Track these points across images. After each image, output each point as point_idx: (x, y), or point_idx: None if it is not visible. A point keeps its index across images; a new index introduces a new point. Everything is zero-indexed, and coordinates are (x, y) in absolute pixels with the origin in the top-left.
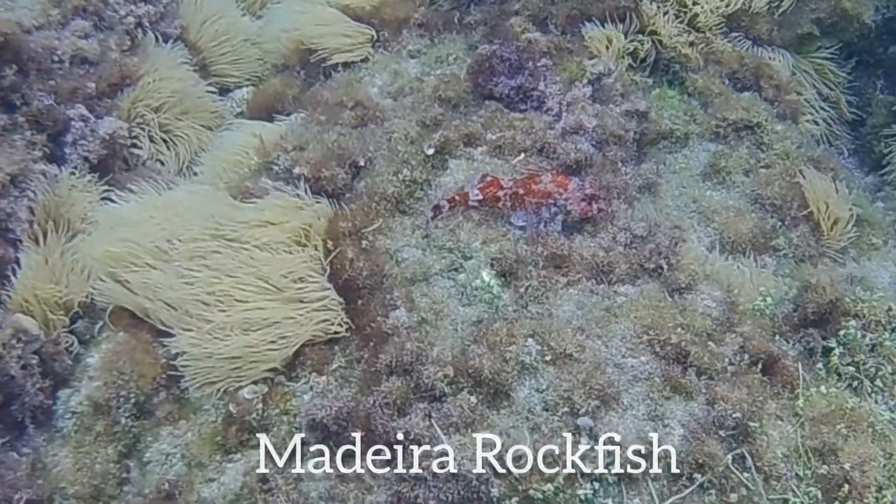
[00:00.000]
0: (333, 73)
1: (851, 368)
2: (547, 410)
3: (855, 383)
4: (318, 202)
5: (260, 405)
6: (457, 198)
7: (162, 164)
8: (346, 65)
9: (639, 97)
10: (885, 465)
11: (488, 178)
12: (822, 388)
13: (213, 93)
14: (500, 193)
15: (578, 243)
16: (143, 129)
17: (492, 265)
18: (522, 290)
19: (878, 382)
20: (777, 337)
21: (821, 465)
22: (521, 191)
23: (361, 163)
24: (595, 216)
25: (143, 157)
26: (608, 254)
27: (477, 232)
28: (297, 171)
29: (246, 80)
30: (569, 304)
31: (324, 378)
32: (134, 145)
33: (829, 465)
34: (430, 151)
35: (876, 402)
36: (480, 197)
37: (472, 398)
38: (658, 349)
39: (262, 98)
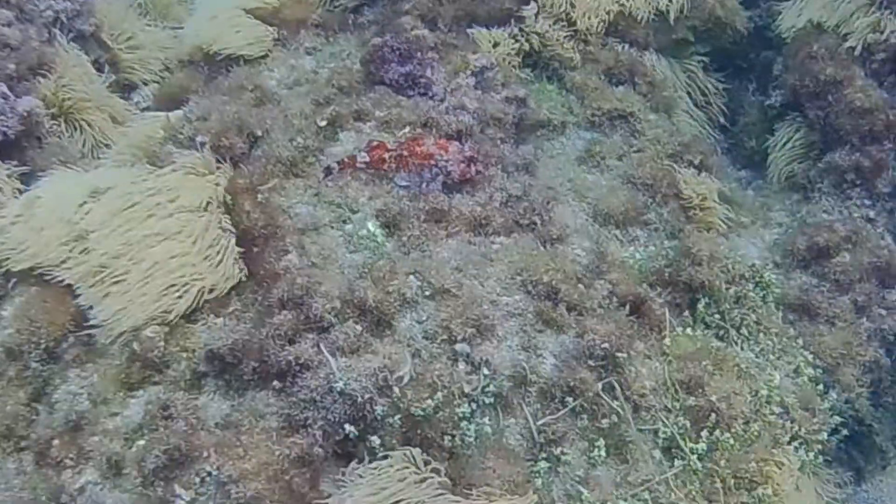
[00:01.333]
0: (235, 66)
1: (717, 317)
2: (427, 339)
3: (721, 332)
4: (219, 165)
5: (161, 343)
6: (346, 160)
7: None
8: (247, 61)
9: (518, 86)
10: (750, 401)
11: (374, 143)
12: (689, 331)
13: (120, 92)
14: (386, 155)
15: (458, 201)
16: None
17: (377, 217)
18: (405, 238)
19: (744, 331)
20: (645, 286)
21: (688, 398)
22: (405, 153)
23: (259, 133)
24: (473, 178)
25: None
26: (485, 209)
27: (364, 189)
28: (199, 138)
29: (153, 79)
30: (448, 251)
31: (221, 319)
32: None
33: (697, 397)
34: (323, 123)
35: (742, 349)
36: (367, 159)
37: (358, 326)
38: (531, 289)
39: (168, 91)
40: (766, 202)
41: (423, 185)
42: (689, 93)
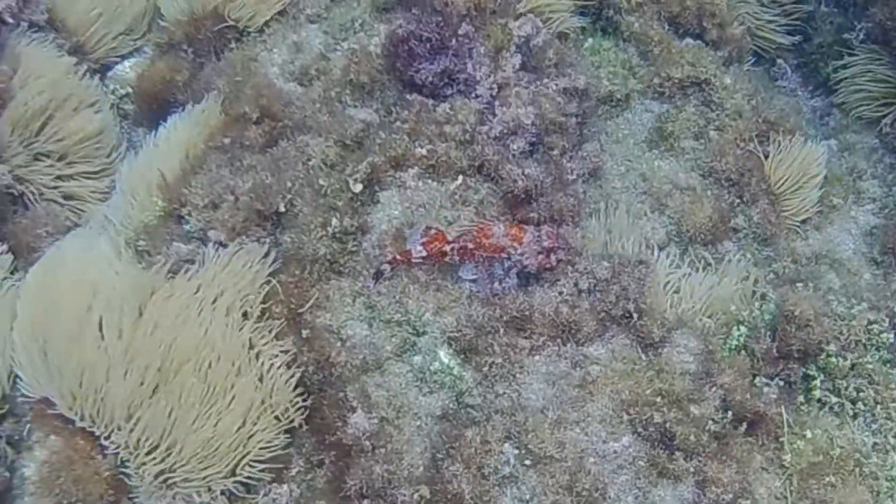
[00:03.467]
0: (225, 49)
1: (833, 398)
2: None
3: (836, 408)
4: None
5: None
6: (398, 257)
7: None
8: (238, 36)
9: (575, 67)
10: None
11: (432, 231)
12: (808, 433)
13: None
14: (447, 248)
15: (539, 299)
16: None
17: (448, 341)
18: (486, 368)
19: (860, 405)
20: (757, 379)
21: None
22: (469, 245)
23: (282, 208)
24: (554, 267)
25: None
26: (573, 310)
27: (426, 298)
28: (213, 236)
29: (127, 52)
30: (538, 380)
31: (285, 487)
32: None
33: None
34: (358, 188)
35: (858, 426)
36: (424, 253)
37: None
38: (640, 430)
39: (149, 85)
40: (856, 164)
41: (496, 283)
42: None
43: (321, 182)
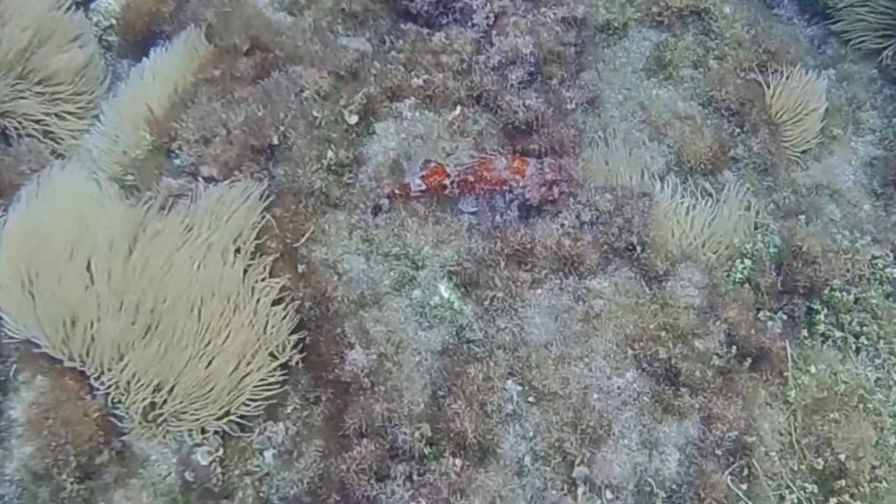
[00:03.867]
0: None
1: (837, 332)
2: (538, 460)
3: (840, 343)
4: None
5: (218, 469)
6: (397, 191)
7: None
8: None
9: None
10: (876, 443)
11: (431, 165)
12: (812, 368)
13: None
14: (447, 181)
15: (540, 231)
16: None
17: (448, 274)
18: (487, 302)
19: (863, 339)
20: (761, 314)
21: (816, 459)
22: (470, 178)
23: (275, 141)
24: (556, 199)
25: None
26: (575, 243)
27: (425, 231)
28: (205, 171)
29: None
30: (540, 314)
31: (281, 425)
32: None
33: (824, 456)
34: (354, 120)
35: (861, 361)
36: (424, 187)
37: (458, 461)
38: (645, 365)
39: (134, 17)
40: (854, 94)
41: (497, 216)
42: None
43: (315, 114)
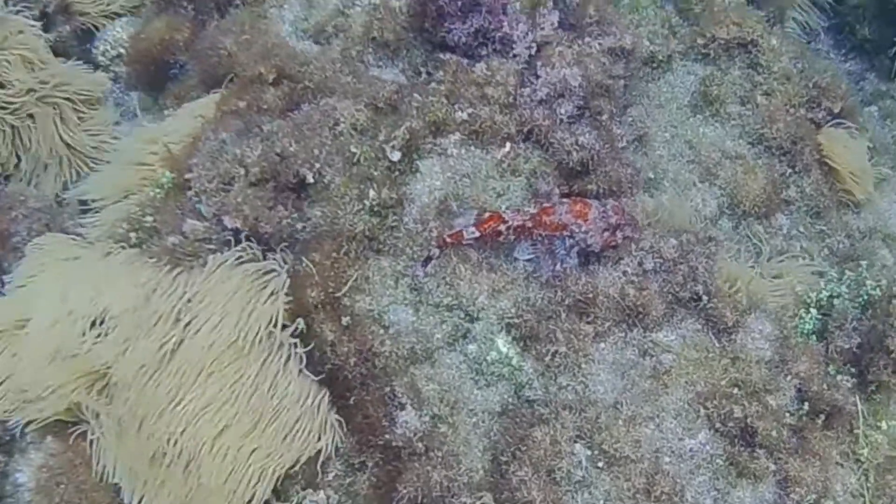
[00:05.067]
0: (230, 5)
1: None
2: None
3: None
4: (272, 269)
5: None
6: (449, 238)
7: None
8: None
9: (616, 25)
10: None
11: (486, 215)
12: (883, 425)
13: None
14: (502, 227)
15: (603, 280)
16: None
17: (506, 326)
18: (548, 357)
19: None
20: (830, 368)
21: None
22: (528, 223)
23: (310, 178)
24: (619, 245)
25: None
26: (640, 293)
27: (479, 280)
28: (228, 223)
29: (117, 11)
30: (605, 370)
31: (321, 494)
32: None
33: None
34: (397, 157)
35: None
36: (477, 234)
37: None
38: (719, 425)
39: (146, 45)
40: None
41: (558, 264)
42: None
43: (353, 149)
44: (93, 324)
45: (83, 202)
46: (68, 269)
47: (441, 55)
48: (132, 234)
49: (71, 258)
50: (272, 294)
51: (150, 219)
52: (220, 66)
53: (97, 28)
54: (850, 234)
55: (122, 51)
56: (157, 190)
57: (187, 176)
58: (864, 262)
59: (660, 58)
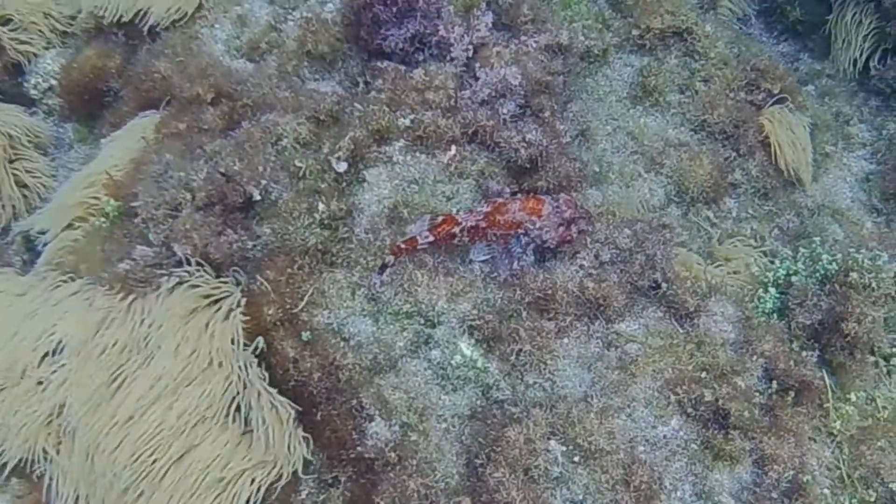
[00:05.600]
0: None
1: (868, 356)
2: None
3: (871, 366)
4: (223, 286)
5: None
6: (403, 246)
7: None
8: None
9: (551, 22)
10: None
11: (439, 219)
12: (852, 397)
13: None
14: (456, 230)
15: (561, 275)
16: None
17: (468, 329)
18: (513, 357)
19: (894, 361)
20: (796, 346)
21: (867, 490)
22: (482, 223)
23: (256, 196)
24: (574, 240)
25: None
26: (599, 285)
27: (437, 284)
28: (178, 250)
29: (46, 45)
30: (571, 365)
31: None
32: None
33: (874, 488)
34: (343, 168)
35: (895, 383)
36: (431, 238)
37: None
38: (690, 410)
39: (78, 75)
40: (839, 108)
41: (514, 262)
42: None
43: (298, 163)
44: (45, 356)
45: (27, 237)
46: (18, 304)
47: (378, 63)
48: (81, 266)
49: (19, 293)
50: (229, 313)
51: (98, 249)
52: (154, 89)
53: (28, 61)
54: (798, 212)
55: (53, 83)
56: (103, 219)
57: (133, 204)
58: (816, 239)
59: (595, 52)
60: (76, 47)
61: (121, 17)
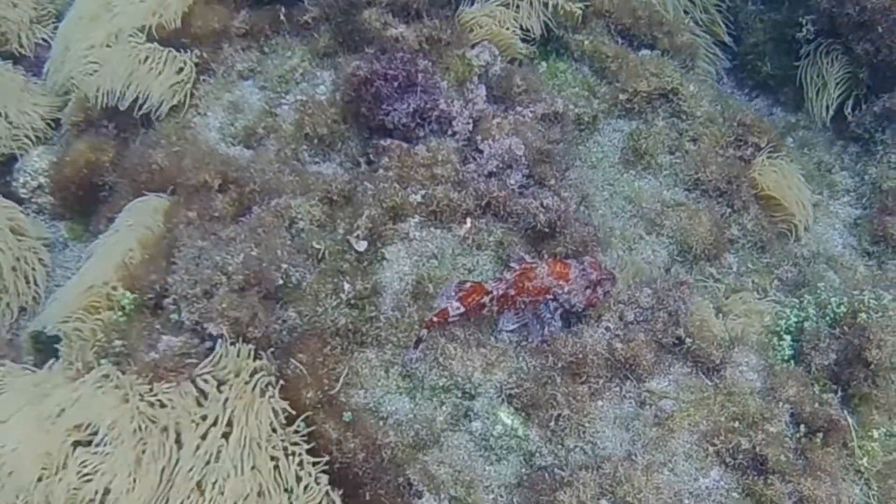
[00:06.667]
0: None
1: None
2: None
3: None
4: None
5: None
6: (435, 320)
7: None
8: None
9: (547, 90)
10: None
11: (467, 286)
12: (874, 433)
13: None
14: (486, 299)
15: (589, 338)
16: None
17: (507, 399)
18: (552, 422)
19: None
20: (817, 389)
21: None
22: (511, 291)
23: (280, 281)
24: (600, 302)
25: None
26: (628, 345)
27: (470, 356)
28: (213, 330)
29: (34, 140)
30: (609, 426)
31: None
32: None
33: None
34: (363, 247)
35: None
36: (462, 309)
37: None
38: (728, 459)
39: (70, 171)
40: (820, 158)
41: (545, 328)
42: (685, 11)
43: (316, 245)
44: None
45: (37, 335)
46: (42, 398)
47: (380, 141)
48: (102, 361)
49: (40, 387)
50: (268, 396)
51: (118, 343)
52: (152, 181)
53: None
54: (795, 262)
55: (42, 181)
56: (119, 313)
57: (169, 279)
58: (821, 285)
59: (586, 119)
60: (66, 142)
61: (110, 106)
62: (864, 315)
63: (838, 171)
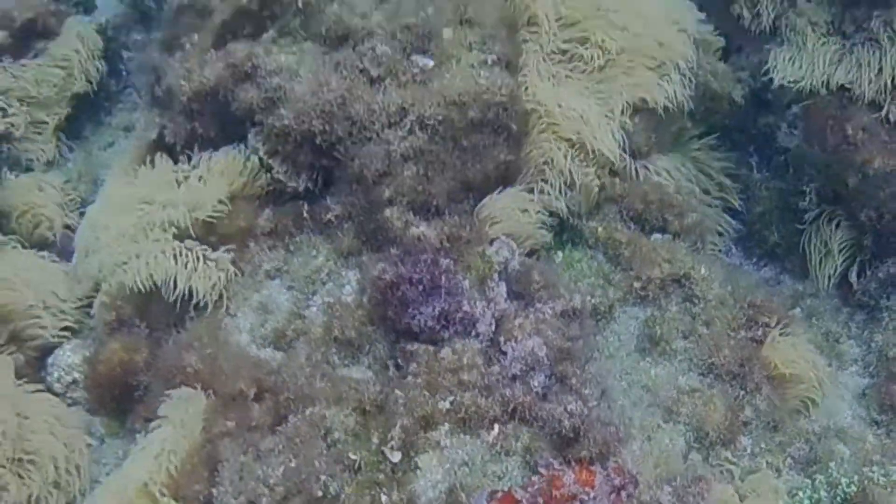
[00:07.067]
0: (184, 319)
1: None
2: None
3: None
4: None
5: None
6: None
7: None
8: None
9: (560, 286)
10: None
11: (499, 495)
12: None
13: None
14: None
15: None
16: None
17: None
18: None
19: None
20: None
21: None
22: (540, 500)
23: (318, 493)
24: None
25: None
26: None
27: None
28: None
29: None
30: None
31: None
32: None
33: None
34: (397, 458)
35: None
36: None
37: None
38: None
39: (105, 369)
40: (827, 328)
41: None
42: (700, 186)
43: (352, 456)
44: None
45: None
46: None
47: (407, 345)
48: None
49: None
50: None
51: None
52: (186, 384)
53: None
54: (807, 439)
55: (77, 376)
56: None
57: (214, 492)
58: (832, 464)
59: (602, 309)
60: (99, 340)
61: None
62: (872, 492)
63: (845, 341)
